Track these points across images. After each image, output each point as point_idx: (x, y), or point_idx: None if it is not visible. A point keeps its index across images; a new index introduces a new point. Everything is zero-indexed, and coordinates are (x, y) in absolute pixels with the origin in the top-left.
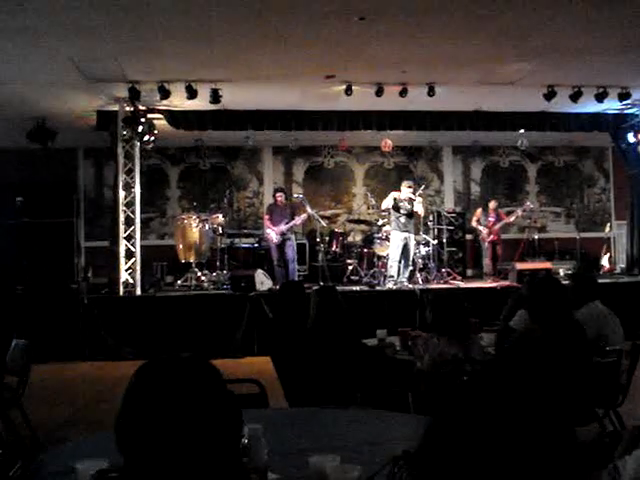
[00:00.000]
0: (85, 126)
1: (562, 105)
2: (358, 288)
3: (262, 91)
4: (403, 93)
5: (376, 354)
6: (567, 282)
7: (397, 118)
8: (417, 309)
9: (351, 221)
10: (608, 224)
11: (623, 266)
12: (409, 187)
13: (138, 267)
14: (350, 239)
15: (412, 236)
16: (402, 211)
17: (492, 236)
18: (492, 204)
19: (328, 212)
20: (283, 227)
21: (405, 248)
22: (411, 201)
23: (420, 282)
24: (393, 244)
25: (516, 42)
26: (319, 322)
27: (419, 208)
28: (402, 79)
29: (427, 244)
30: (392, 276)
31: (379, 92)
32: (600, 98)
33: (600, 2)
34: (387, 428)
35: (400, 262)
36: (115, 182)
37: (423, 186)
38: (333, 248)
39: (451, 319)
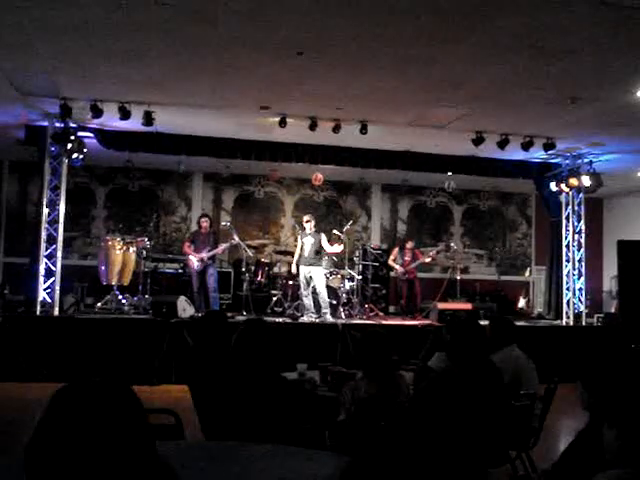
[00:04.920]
0: (12, 139)
1: (489, 151)
2: (281, 320)
3: (196, 117)
4: (336, 129)
5: (295, 389)
6: (486, 323)
7: (329, 153)
8: (338, 343)
9: (278, 252)
10: (528, 268)
11: (540, 310)
12: (307, 221)
13: (57, 287)
14: (276, 270)
15: (318, 269)
16: (305, 246)
17: (407, 275)
18: (409, 244)
19: (255, 242)
20: (204, 254)
21: (310, 282)
22: (315, 234)
23: (343, 317)
24: (300, 278)
25: (448, 89)
26: (240, 353)
27: (325, 243)
28: (336, 115)
29: (352, 279)
30: (308, 309)
31: (313, 126)
32: (526, 147)
33: (531, 57)
34: (304, 466)
35: (307, 296)
36: (40, 198)
37: (351, 221)
38: (258, 278)
39: (377, 359)
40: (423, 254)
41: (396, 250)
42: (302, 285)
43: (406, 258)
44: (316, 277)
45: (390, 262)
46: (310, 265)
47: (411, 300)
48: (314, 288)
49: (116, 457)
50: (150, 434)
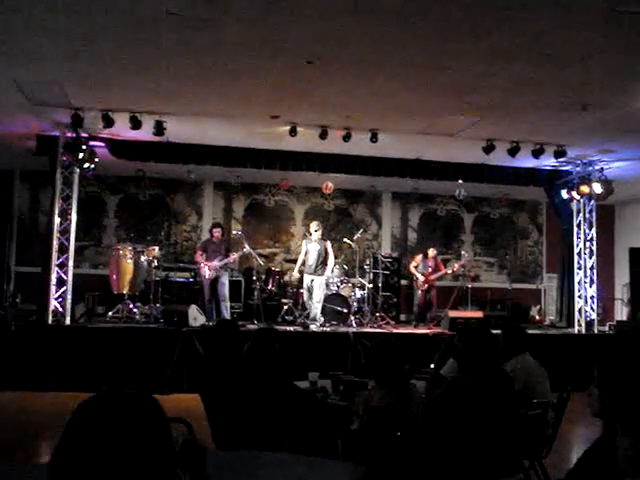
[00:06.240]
0: (23, 149)
1: (500, 159)
2: (292, 328)
3: (207, 126)
4: (347, 137)
5: (307, 398)
6: (498, 331)
7: (340, 161)
8: (350, 352)
9: (288, 260)
10: (539, 276)
11: (553, 318)
12: (316, 231)
13: (69, 296)
14: (286, 278)
15: (319, 278)
16: (310, 254)
17: (427, 284)
18: (432, 252)
19: (266, 250)
20: (217, 263)
21: (311, 290)
22: (321, 242)
23: (354, 325)
24: (304, 286)
25: (458, 97)
26: (252, 362)
27: (330, 250)
28: (346, 124)
29: (362, 288)
30: (313, 318)
31: (323, 135)
32: (537, 154)
33: (541, 64)
34: (316, 475)
35: (310, 305)
36: (51, 208)
37: (361, 230)
38: (269, 287)
39: (389, 368)
40: (445, 265)
41: (419, 257)
42: (305, 294)
43: (429, 266)
44: (316, 286)
45: (411, 269)
46: (312, 274)
47: (426, 308)
48: (312, 296)
49: (140, 469)
50: (172, 447)
